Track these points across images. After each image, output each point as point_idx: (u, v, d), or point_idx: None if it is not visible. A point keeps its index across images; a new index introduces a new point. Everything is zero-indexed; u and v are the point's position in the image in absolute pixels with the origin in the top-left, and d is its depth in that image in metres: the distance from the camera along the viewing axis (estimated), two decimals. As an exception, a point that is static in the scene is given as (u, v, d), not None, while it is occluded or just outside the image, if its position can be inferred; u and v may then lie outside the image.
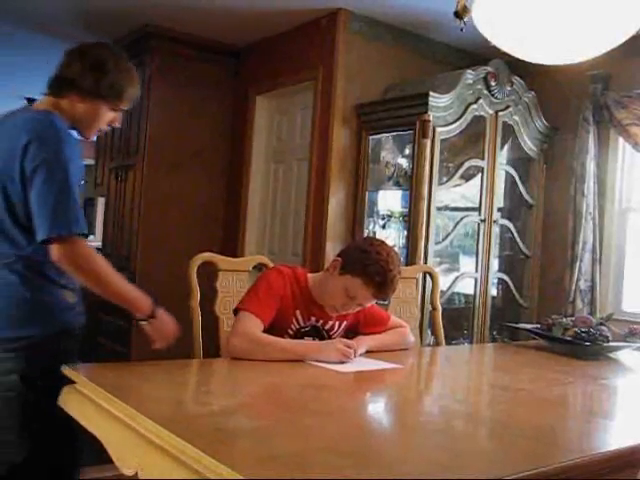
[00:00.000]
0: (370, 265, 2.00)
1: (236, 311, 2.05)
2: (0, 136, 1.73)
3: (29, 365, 1.64)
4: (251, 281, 2.24)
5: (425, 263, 3.53)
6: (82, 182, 1.78)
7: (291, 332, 2.11)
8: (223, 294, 2.27)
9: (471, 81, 3.71)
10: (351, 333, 2.23)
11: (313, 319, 2.14)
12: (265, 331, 2.00)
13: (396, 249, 3.80)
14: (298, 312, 2.11)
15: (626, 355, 2.54)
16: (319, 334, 2.15)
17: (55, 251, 1.60)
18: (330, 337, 2.17)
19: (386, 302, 2.53)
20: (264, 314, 2.00)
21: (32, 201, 1.60)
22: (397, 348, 2.27)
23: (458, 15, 2.03)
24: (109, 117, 1.83)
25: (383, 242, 2.16)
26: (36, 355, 1.64)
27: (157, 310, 1.74)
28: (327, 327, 2.17)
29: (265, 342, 1.94)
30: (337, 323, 2.18)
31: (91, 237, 10.16)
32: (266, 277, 2.11)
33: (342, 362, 1.93)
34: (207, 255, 2.25)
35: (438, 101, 3.56)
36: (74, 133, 1.76)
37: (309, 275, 2.19)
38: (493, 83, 3.77)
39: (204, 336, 2.17)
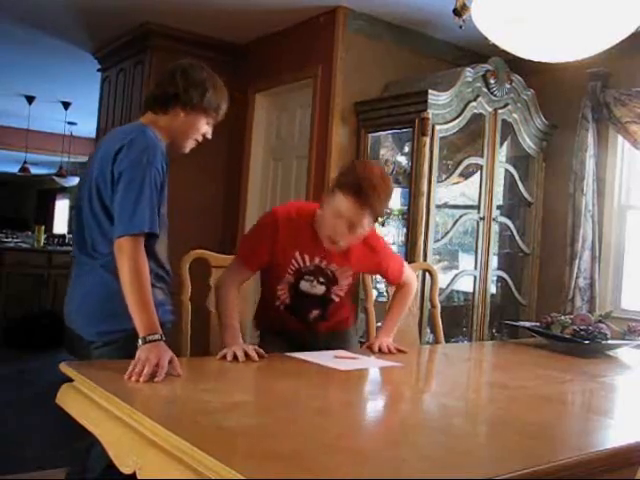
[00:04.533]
0: (345, 175, 2.05)
1: None
2: (103, 145, 1.93)
3: (124, 357, 1.67)
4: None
5: (424, 261, 3.53)
6: (163, 187, 1.89)
7: (290, 272, 2.14)
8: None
9: (470, 79, 3.70)
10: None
11: (317, 259, 2.14)
12: (264, 271, 2.17)
13: (395, 247, 3.82)
14: (297, 253, 2.11)
15: (625, 353, 2.54)
16: (323, 274, 2.16)
17: (117, 243, 1.73)
18: (334, 277, 2.17)
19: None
20: (251, 259, 2.13)
21: (116, 202, 1.77)
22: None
23: (457, 13, 2.03)
24: (204, 129, 2.01)
25: (374, 165, 2.24)
26: (131, 348, 1.67)
27: (154, 339, 1.65)
28: (331, 267, 2.16)
29: (219, 303, 2.07)
30: (340, 269, 2.16)
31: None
32: (258, 222, 2.19)
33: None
34: (199, 252, 2.29)
35: (437, 99, 3.55)
36: (163, 145, 1.88)
37: (318, 212, 2.15)
38: (492, 81, 3.76)
39: (193, 332, 2.20)
